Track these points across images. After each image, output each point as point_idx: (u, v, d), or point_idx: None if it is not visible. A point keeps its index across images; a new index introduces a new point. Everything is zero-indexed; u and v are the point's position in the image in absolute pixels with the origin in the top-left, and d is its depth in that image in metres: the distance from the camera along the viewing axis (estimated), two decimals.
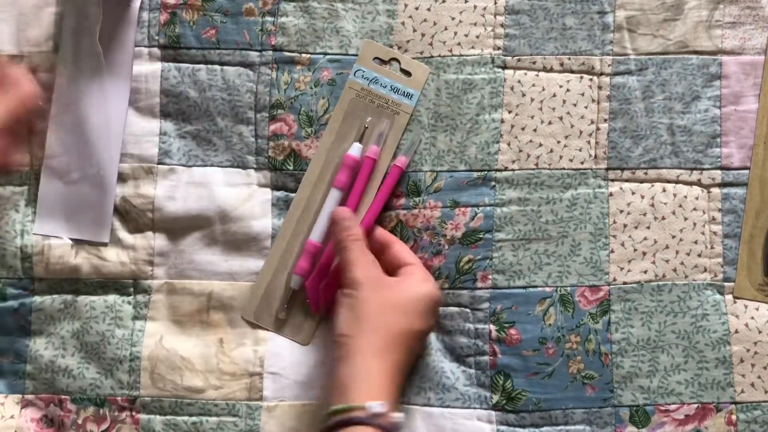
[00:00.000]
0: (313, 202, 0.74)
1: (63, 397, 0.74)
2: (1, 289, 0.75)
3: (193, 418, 0.73)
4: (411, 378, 0.73)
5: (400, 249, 0.71)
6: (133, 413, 0.74)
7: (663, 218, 0.74)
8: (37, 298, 0.75)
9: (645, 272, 0.73)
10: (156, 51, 0.76)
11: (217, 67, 0.76)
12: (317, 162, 0.74)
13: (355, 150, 0.73)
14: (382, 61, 0.75)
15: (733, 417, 0.71)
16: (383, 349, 0.64)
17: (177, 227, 0.75)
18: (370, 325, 0.65)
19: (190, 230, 0.75)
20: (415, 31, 0.75)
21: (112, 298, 0.75)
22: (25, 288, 0.75)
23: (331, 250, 0.72)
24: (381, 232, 0.73)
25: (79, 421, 0.74)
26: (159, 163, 0.76)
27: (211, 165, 0.76)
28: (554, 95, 0.75)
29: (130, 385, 0.74)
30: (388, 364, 0.64)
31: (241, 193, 0.75)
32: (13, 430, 0.74)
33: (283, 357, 0.74)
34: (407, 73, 0.75)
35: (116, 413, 0.74)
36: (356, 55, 0.75)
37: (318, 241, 0.73)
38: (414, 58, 0.75)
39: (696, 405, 0.71)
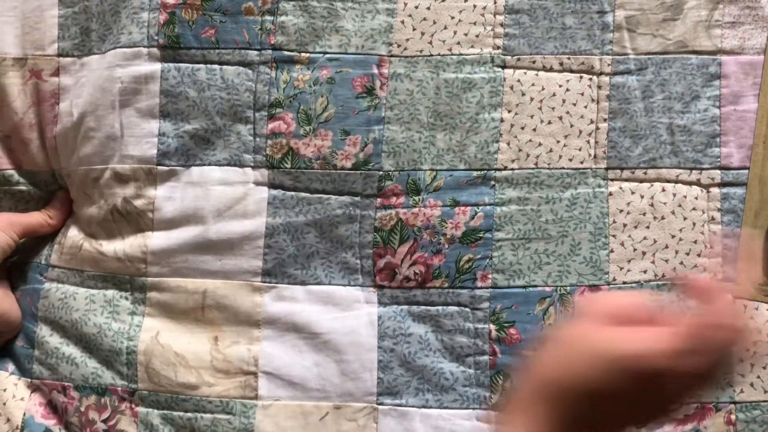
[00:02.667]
0: None
1: (66, 384, 0.75)
2: (26, 270, 0.78)
3: (189, 414, 0.73)
4: (409, 381, 0.73)
5: None
6: (132, 405, 0.74)
7: (662, 218, 0.74)
8: (46, 285, 0.77)
9: (645, 272, 0.73)
10: (155, 51, 0.76)
11: (216, 66, 0.76)
12: None
13: None
14: None
15: (733, 416, 0.71)
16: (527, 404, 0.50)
17: (173, 226, 0.75)
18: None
19: (185, 229, 0.75)
20: (414, 29, 0.75)
21: (111, 292, 0.76)
22: (42, 273, 0.77)
23: None
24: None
25: (82, 409, 0.74)
26: (158, 164, 0.76)
27: (209, 164, 0.76)
28: (554, 95, 0.75)
29: (129, 377, 0.74)
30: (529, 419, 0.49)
31: (237, 192, 0.75)
32: (22, 410, 0.75)
33: (277, 357, 0.74)
34: None
35: (116, 403, 0.74)
36: (356, 54, 0.75)
37: None
38: (414, 57, 0.75)
39: (695, 404, 0.71)
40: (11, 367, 0.76)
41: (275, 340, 0.74)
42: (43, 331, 0.76)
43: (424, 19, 0.75)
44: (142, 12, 0.76)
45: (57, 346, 0.75)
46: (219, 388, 0.73)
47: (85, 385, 0.74)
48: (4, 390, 0.75)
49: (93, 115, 0.76)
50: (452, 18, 0.75)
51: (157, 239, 0.75)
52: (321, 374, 0.73)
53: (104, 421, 0.74)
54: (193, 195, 0.75)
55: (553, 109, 0.75)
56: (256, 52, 0.76)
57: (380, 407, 0.73)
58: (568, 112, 0.75)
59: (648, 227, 0.74)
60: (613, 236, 0.74)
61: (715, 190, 0.74)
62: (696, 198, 0.74)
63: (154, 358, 0.74)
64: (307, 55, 0.75)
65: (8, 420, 0.74)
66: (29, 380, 0.76)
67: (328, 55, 0.75)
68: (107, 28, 0.77)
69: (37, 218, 0.77)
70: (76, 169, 0.77)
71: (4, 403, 0.75)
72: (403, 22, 0.75)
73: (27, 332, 0.77)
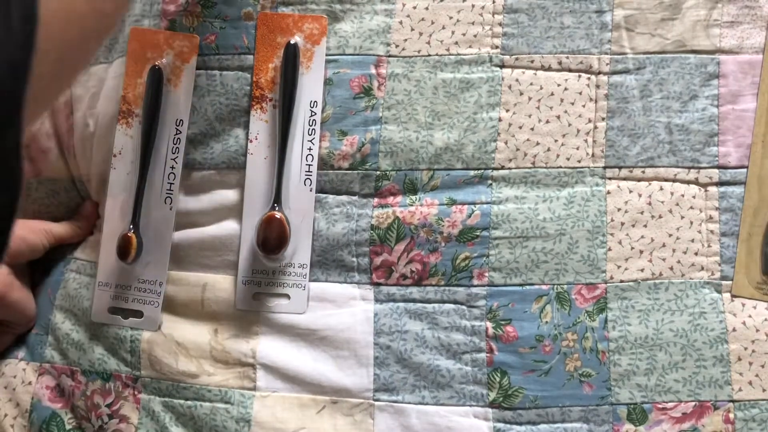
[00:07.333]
0: None
1: (74, 368, 0.77)
2: (50, 266, 0.80)
3: (189, 402, 0.75)
4: (405, 378, 0.74)
5: None
6: (135, 392, 0.76)
7: (660, 217, 0.74)
8: (66, 276, 0.79)
9: (642, 270, 0.73)
10: None
11: (216, 72, 0.76)
12: None
13: None
14: None
15: (731, 415, 0.71)
16: None
17: (176, 226, 0.77)
18: None
19: (183, 227, 0.77)
20: (412, 30, 0.76)
21: None
22: (66, 265, 0.80)
23: None
24: None
25: (88, 393, 0.77)
26: None
27: (207, 168, 0.77)
28: (552, 94, 0.75)
29: (133, 364, 0.76)
30: None
31: (235, 193, 0.76)
32: (30, 395, 0.78)
33: (274, 351, 0.75)
34: None
35: (120, 389, 0.76)
36: (354, 54, 0.76)
37: None
38: (411, 57, 0.76)
39: (693, 403, 0.71)
40: (21, 353, 0.79)
41: (273, 335, 0.75)
42: (57, 318, 0.79)
43: (422, 19, 0.76)
44: (143, 19, 0.77)
45: (68, 332, 0.78)
46: (218, 378, 0.75)
47: (92, 370, 0.77)
48: (14, 376, 0.78)
49: (102, 123, 0.78)
50: (450, 18, 0.76)
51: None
52: (318, 369, 0.74)
53: (108, 406, 0.76)
54: (194, 197, 0.77)
55: (551, 108, 0.75)
56: (255, 57, 0.77)
57: (377, 403, 0.73)
58: (566, 111, 0.75)
59: (646, 226, 0.74)
60: (611, 235, 0.74)
61: (713, 189, 0.73)
62: (694, 197, 0.73)
63: (156, 346, 0.76)
64: None
65: (17, 404, 0.77)
66: (38, 364, 0.78)
67: (326, 57, 0.76)
68: (113, 37, 0.78)
69: (67, 228, 0.81)
70: (94, 173, 0.79)
71: (14, 389, 0.78)
72: (401, 22, 0.76)
73: (42, 320, 0.79)
